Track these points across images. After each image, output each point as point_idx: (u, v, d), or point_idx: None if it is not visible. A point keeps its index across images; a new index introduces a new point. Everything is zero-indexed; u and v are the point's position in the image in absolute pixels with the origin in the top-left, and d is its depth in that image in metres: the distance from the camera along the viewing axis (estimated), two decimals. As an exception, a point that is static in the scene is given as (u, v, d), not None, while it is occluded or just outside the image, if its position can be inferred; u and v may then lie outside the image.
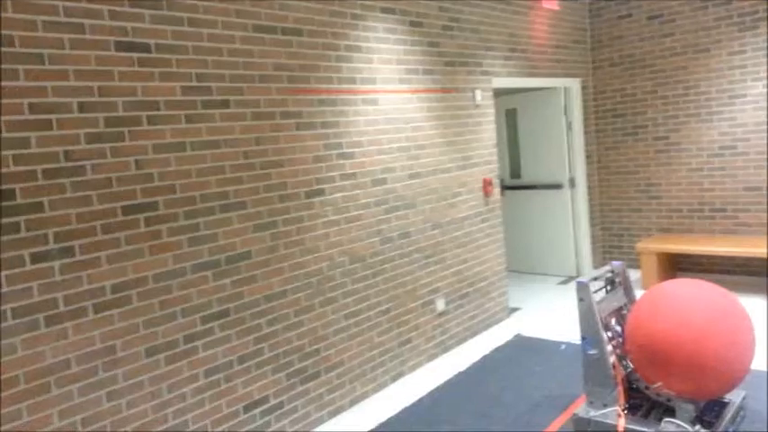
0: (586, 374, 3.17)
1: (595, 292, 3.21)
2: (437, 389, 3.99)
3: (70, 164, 2.58)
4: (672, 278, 5.88)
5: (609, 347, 3.15)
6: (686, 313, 2.77)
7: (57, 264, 2.54)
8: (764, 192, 5.55)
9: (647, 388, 3.04)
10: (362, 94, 3.90)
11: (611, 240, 6.62)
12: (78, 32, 2.60)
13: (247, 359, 3.26)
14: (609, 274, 3.40)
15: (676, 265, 6.08)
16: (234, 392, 3.19)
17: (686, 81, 5.87)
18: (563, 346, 4.47)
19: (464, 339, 4.81)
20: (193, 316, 3.01)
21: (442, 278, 4.57)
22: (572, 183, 6.34)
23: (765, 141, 5.48)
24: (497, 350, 4.57)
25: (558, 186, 6.36)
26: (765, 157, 5.50)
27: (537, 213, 6.59)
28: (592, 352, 3.11)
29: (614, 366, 3.10)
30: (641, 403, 3.16)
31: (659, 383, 2.88)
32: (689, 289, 2.89)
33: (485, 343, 4.76)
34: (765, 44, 5.37)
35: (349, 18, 3.81)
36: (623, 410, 3.07)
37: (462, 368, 4.29)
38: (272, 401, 3.38)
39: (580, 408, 3.21)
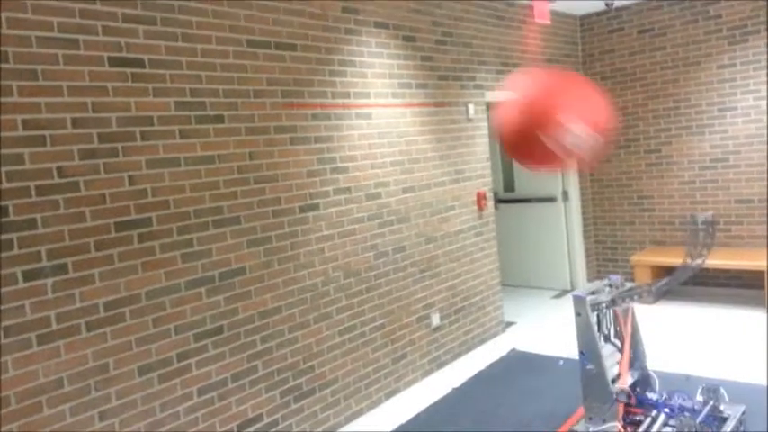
0: (585, 389, 3.15)
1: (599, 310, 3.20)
2: (432, 405, 3.95)
3: (63, 180, 2.56)
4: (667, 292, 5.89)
5: (609, 362, 3.14)
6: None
7: (50, 281, 2.50)
8: (756, 204, 5.58)
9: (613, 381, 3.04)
10: (356, 108, 3.91)
11: (605, 253, 6.63)
12: (72, 48, 2.59)
13: (241, 377, 3.22)
14: (607, 288, 3.40)
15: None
16: (228, 411, 3.15)
17: (677, 94, 5.92)
18: (561, 362, 4.44)
19: (459, 354, 4.79)
20: (187, 333, 2.98)
21: (436, 293, 4.55)
22: (565, 196, 6.36)
23: (757, 154, 5.52)
24: (493, 365, 4.54)
25: (551, 200, 6.38)
26: (757, 170, 5.54)
27: (531, 227, 6.59)
28: (590, 366, 3.10)
29: (614, 381, 3.10)
30: (641, 419, 3.14)
31: None
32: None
33: (480, 358, 4.74)
34: (754, 57, 5.43)
35: (342, 33, 3.83)
36: (623, 426, 3.06)
37: (457, 384, 4.26)
38: (267, 419, 3.34)
39: (579, 423, 3.19)
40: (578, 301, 3.12)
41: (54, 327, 2.52)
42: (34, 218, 2.47)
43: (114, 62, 2.73)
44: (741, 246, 5.71)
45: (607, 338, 3.24)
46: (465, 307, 4.85)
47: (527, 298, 6.33)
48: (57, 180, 2.54)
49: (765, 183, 5.51)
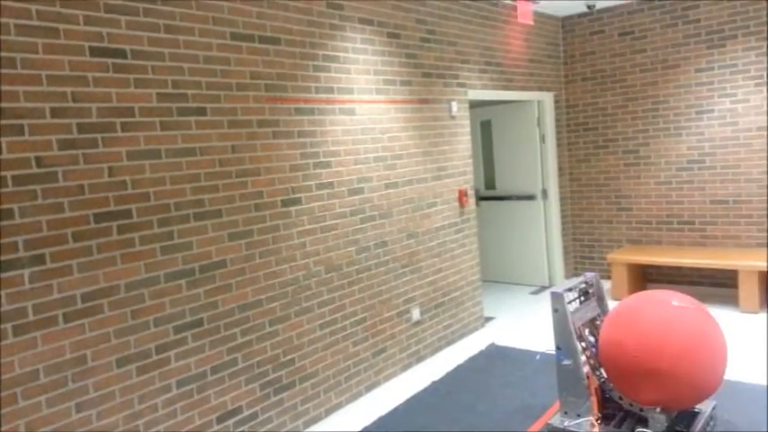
0: (561, 384, 3.20)
1: (569, 302, 3.25)
2: (412, 398, 3.99)
3: (42, 170, 2.53)
4: (642, 289, 6.00)
5: (583, 358, 3.19)
6: (661, 327, 2.81)
7: (27, 272, 2.48)
8: (731, 205, 5.70)
9: (620, 398, 3.08)
10: (340, 103, 3.92)
11: (583, 251, 6.72)
12: (52, 37, 2.56)
13: (221, 369, 3.22)
14: (583, 285, 3.45)
15: (646, 276, 6.19)
16: (207, 403, 3.15)
17: (656, 96, 6.01)
18: (538, 356, 4.51)
19: (439, 349, 4.83)
20: (166, 325, 2.97)
21: (417, 288, 4.58)
22: (545, 194, 6.43)
23: (732, 156, 5.63)
24: (472, 359, 4.59)
25: (531, 197, 6.45)
26: (732, 171, 5.66)
27: (511, 224, 6.66)
28: (566, 362, 3.15)
29: (588, 376, 3.14)
30: (615, 413, 3.20)
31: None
32: (663, 302, 2.94)
33: (460, 352, 4.78)
34: (731, 62, 5.54)
35: (327, 28, 3.83)
36: (597, 420, 3.11)
37: (437, 377, 4.30)
38: (246, 412, 3.35)
39: (554, 417, 3.24)
40: (556, 297, 3.17)
41: (31, 318, 2.50)
42: (11, 208, 2.44)
43: (95, 52, 2.71)
44: (715, 245, 5.83)
45: (580, 335, 3.29)
46: (445, 302, 4.89)
47: (506, 294, 6.39)
48: (35, 170, 2.51)
49: (740, 184, 5.63)
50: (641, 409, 2.99)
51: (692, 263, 5.36)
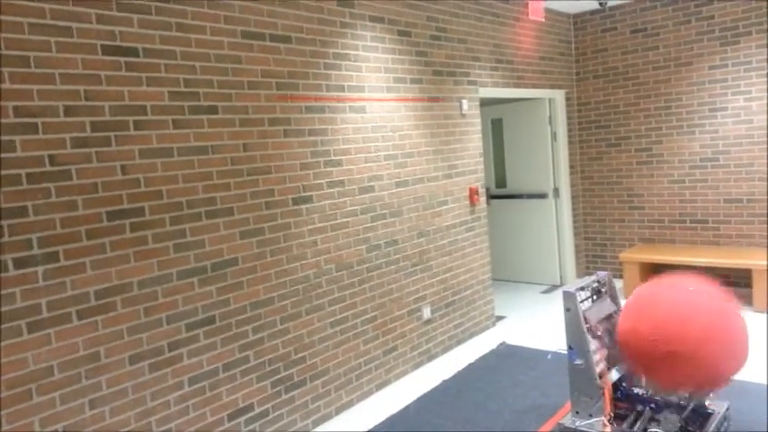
0: (572, 384, 3.18)
1: (581, 301, 3.23)
2: (422, 397, 3.98)
3: (55, 168, 2.55)
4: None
5: (595, 357, 3.17)
6: (681, 311, 2.79)
7: (41, 269, 2.50)
8: (745, 204, 5.64)
9: (641, 386, 3.05)
10: (350, 101, 3.91)
11: (595, 250, 6.68)
12: (65, 36, 2.58)
13: (232, 367, 3.23)
14: (595, 284, 3.42)
15: (659, 276, 6.13)
16: (219, 400, 3.16)
17: (668, 94, 5.96)
18: (549, 356, 4.49)
19: (450, 348, 4.82)
20: (178, 323, 2.98)
21: (428, 286, 4.57)
22: (556, 193, 6.39)
23: (746, 154, 5.57)
24: (483, 358, 4.57)
25: (542, 196, 6.42)
26: (746, 170, 5.60)
27: (522, 222, 6.63)
28: (578, 362, 3.13)
29: (600, 376, 3.12)
30: (627, 413, 3.18)
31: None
32: (680, 286, 2.92)
33: (470, 351, 4.77)
34: (745, 59, 5.48)
35: (338, 26, 3.83)
36: (609, 420, 3.09)
37: (448, 376, 4.29)
38: (258, 409, 3.35)
39: (566, 417, 3.22)
40: (568, 296, 3.15)
41: (45, 314, 2.52)
42: (25, 205, 2.46)
43: (108, 50, 2.72)
44: (728, 244, 5.77)
45: (594, 334, 3.27)
46: (456, 301, 4.88)
47: (517, 293, 6.37)
48: (48, 168, 2.53)
49: (754, 183, 5.57)
50: (662, 396, 2.97)
51: (706, 262, 5.31)
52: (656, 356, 2.82)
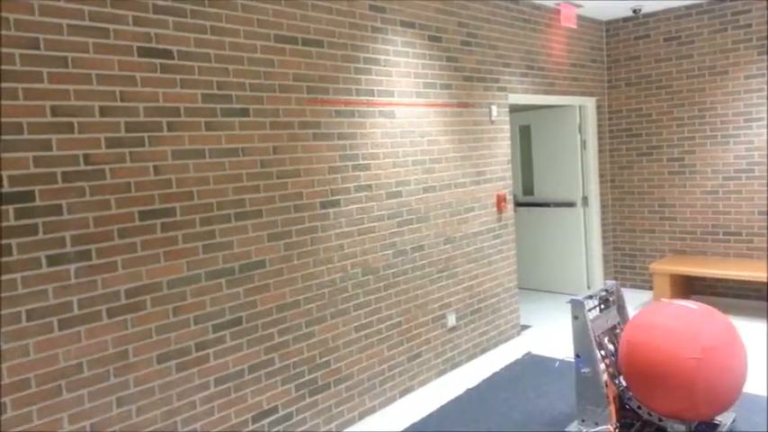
0: (579, 392, 3.15)
1: (589, 310, 3.20)
2: (446, 405, 3.94)
3: (90, 167, 2.58)
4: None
5: (602, 366, 3.13)
6: (682, 337, 2.76)
7: (73, 267, 2.53)
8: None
9: (639, 408, 3.02)
10: (380, 106, 3.91)
11: (624, 260, 6.57)
12: (103, 37, 2.62)
13: (258, 369, 3.23)
14: (603, 293, 3.39)
15: (689, 288, 6.02)
16: (243, 402, 3.17)
17: (702, 103, 5.84)
18: (557, 363, 4.45)
19: (474, 356, 4.77)
20: (206, 323, 3.00)
21: (453, 293, 4.54)
22: (585, 201, 6.31)
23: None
24: (507, 368, 4.52)
25: (571, 204, 6.33)
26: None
27: (549, 231, 6.55)
28: (585, 370, 3.09)
29: (607, 385, 3.09)
30: (633, 422, 3.14)
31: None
32: (683, 312, 2.90)
33: (495, 360, 4.72)
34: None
35: (369, 31, 3.83)
36: (615, 429, 3.05)
37: (472, 385, 4.24)
38: (281, 412, 3.35)
39: (572, 425, 3.18)
40: (576, 304, 3.12)
41: (75, 312, 2.55)
42: (60, 204, 2.50)
43: (143, 52, 2.75)
44: (762, 257, 5.62)
45: (600, 344, 3.23)
46: (481, 308, 4.83)
47: (543, 302, 6.29)
48: (83, 167, 2.56)
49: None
50: (660, 419, 2.93)
51: (738, 275, 5.18)
52: (655, 381, 2.80)
